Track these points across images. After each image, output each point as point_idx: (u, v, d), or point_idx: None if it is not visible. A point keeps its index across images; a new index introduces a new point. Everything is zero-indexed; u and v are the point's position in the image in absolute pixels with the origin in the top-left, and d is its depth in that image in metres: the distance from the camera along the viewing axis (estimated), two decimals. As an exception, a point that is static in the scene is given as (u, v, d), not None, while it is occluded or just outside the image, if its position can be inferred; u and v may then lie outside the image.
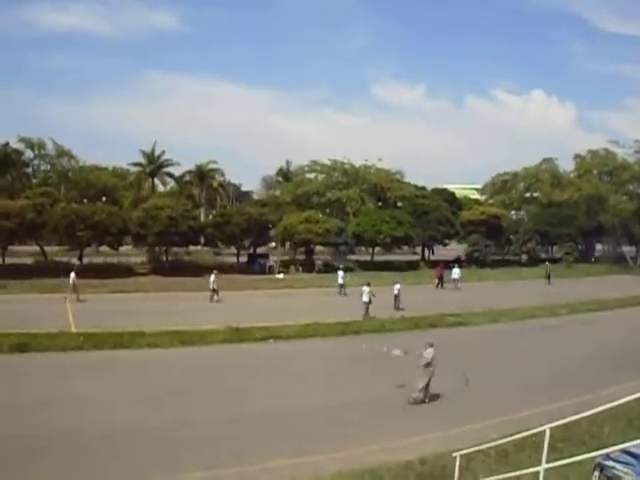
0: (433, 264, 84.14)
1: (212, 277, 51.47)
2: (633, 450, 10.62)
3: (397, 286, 49.77)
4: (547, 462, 11.44)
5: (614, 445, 10.48)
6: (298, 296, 55.73)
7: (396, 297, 49.61)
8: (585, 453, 10.74)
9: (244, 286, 59.74)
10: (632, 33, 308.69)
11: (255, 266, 73.39)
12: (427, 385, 24.91)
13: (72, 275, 50.50)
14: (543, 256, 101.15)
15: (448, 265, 73.65)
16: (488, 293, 61.52)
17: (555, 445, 14.99)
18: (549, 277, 74.75)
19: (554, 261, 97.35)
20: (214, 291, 50.92)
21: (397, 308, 48.72)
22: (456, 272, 70.55)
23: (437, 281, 66.35)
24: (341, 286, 58.26)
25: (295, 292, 57.88)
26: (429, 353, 24.72)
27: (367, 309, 45.38)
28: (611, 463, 11.31)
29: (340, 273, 59.31)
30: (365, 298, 45.77)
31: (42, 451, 18.26)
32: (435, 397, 25.16)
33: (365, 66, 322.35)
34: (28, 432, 19.62)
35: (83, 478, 17.00)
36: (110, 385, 26.12)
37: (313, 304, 50.63)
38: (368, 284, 46.60)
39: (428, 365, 24.67)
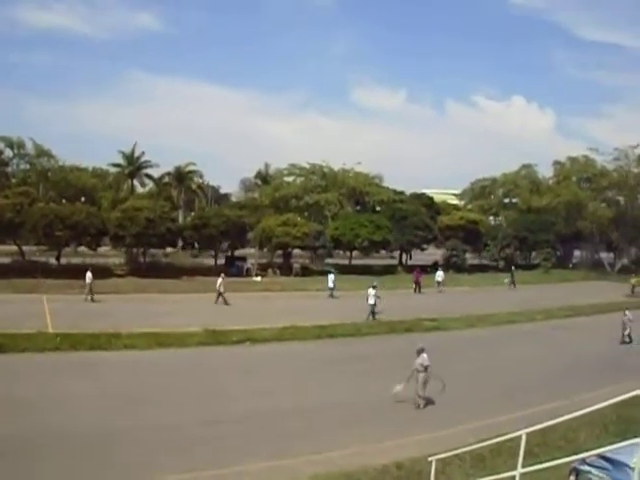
0: (411, 269, 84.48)
1: (219, 280, 51.23)
2: (608, 455, 10.64)
3: (373, 291, 49.24)
4: (523, 467, 11.45)
5: (590, 450, 10.51)
6: (277, 299, 55.63)
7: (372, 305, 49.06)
8: (561, 458, 10.76)
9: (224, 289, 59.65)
10: (611, 41, 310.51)
11: (233, 269, 73.06)
12: (424, 389, 25.09)
13: (88, 274, 50.66)
14: (521, 262, 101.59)
15: (425, 270, 73.72)
16: (465, 298, 61.72)
17: (531, 450, 15.01)
18: (513, 282, 75.33)
19: (532, 267, 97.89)
20: (220, 294, 50.76)
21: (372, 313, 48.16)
22: (440, 275, 71.16)
23: (414, 286, 66.06)
24: (331, 289, 58.50)
25: (273, 295, 57.75)
26: (424, 359, 24.83)
27: (372, 311, 46.27)
28: (587, 468, 11.33)
29: (331, 276, 59.57)
30: (371, 301, 46.48)
31: (17, 452, 18.15)
32: (403, 402, 25.17)
33: (347, 70, 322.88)
34: (3, 433, 19.52)
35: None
36: (86, 386, 25.95)
37: (293, 307, 50.61)
38: (374, 287, 47.37)
39: (425, 370, 24.79)
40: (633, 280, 74.26)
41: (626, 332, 40.71)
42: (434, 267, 78.40)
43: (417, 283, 66.16)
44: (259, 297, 56.12)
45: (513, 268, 79.41)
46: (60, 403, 23.29)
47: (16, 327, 34.44)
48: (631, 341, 40.31)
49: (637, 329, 40.55)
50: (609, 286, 76.13)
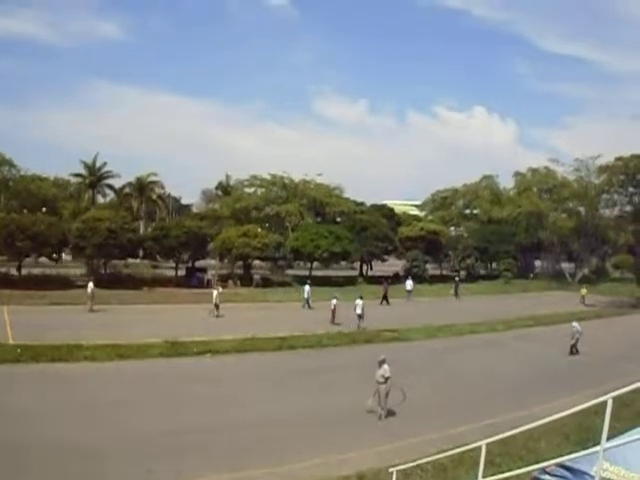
0: (371, 279, 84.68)
1: (215, 292, 51.92)
2: (569, 464, 10.66)
3: (334, 301, 49.95)
4: (484, 477, 11.46)
5: (550, 459, 10.51)
6: (238, 310, 55.44)
7: (333, 312, 49.67)
8: (522, 467, 10.76)
9: (182, 300, 59.42)
10: (572, 53, 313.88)
11: (193, 280, 72.91)
12: (386, 400, 25.08)
13: (90, 285, 51.52)
14: (482, 272, 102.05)
15: (388, 280, 73.76)
16: (427, 309, 61.67)
17: (493, 460, 15.05)
18: (457, 293, 75.38)
19: (493, 277, 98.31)
20: (216, 306, 51.07)
21: (334, 323, 48.76)
22: (409, 284, 71.82)
23: (381, 298, 65.79)
24: (307, 300, 58.72)
25: (234, 306, 57.53)
26: (385, 370, 24.82)
27: (360, 321, 47.58)
28: (547, 477, 11.33)
29: (306, 287, 59.61)
30: (359, 310, 47.97)
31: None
32: (372, 413, 25.17)
33: (307, 81, 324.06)
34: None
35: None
36: (46, 399, 25.78)
37: (255, 318, 50.38)
38: (361, 297, 49.18)
39: (386, 381, 24.77)
40: (583, 291, 74.88)
41: (572, 342, 40.89)
42: (395, 278, 78.54)
43: (384, 296, 65.70)
44: (220, 308, 55.93)
45: (457, 279, 79.38)
46: (17, 416, 23.04)
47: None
48: (577, 352, 40.53)
49: (585, 339, 40.94)
50: (570, 296, 76.51)
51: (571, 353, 40.71)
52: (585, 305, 69.88)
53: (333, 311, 49.70)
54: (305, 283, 62.21)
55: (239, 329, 42.69)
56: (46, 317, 45.36)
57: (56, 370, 30.60)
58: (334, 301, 49.90)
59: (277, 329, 43.80)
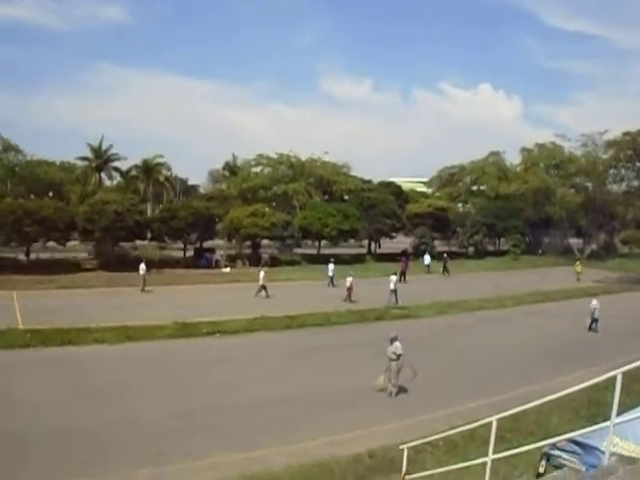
0: (380, 257, 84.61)
1: (262, 273, 51.93)
2: (579, 439, 10.70)
3: (350, 279, 49.94)
4: (495, 453, 11.47)
5: (561, 435, 10.51)
6: (244, 290, 55.41)
7: (349, 289, 49.67)
8: (532, 443, 10.76)
9: (191, 280, 59.37)
10: (580, 29, 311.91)
11: (202, 260, 72.92)
12: (397, 378, 25.11)
13: (142, 266, 53.21)
14: (490, 248, 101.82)
15: (409, 256, 74.03)
16: (436, 285, 61.55)
17: (503, 436, 15.07)
18: (446, 269, 73.89)
19: (502, 253, 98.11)
20: (263, 287, 51.02)
21: (349, 300, 48.84)
22: (427, 259, 73.62)
23: (399, 274, 65.44)
24: (331, 278, 58.84)
25: (242, 286, 57.43)
26: (397, 347, 24.84)
27: (394, 297, 48.88)
28: (558, 452, 11.39)
29: (330, 266, 59.83)
30: (392, 286, 49.14)
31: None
32: (382, 390, 25.21)
33: (314, 60, 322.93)
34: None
35: (30, 476, 16.82)
36: (56, 382, 25.86)
37: (266, 297, 50.26)
38: (395, 274, 52.11)
39: (397, 358, 24.79)
40: (578, 267, 73.19)
41: (591, 320, 40.69)
42: (402, 255, 78.12)
43: (403, 272, 65.65)
44: (229, 288, 55.88)
45: (445, 255, 77.58)
46: (28, 400, 23.14)
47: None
48: (596, 330, 40.36)
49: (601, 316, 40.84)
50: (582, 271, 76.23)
51: (590, 329, 40.58)
52: (578, 282, 67.99)
53: (349, 289, 49.67)
54: (329, 261, 62.09)
55: (251, 309, 42.63)
56: (54, 301, 45.33)
57: (65, 354, 30.70)
58: (350, 279, 49.96)
59: (289, 308, 43.80)
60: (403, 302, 47.83)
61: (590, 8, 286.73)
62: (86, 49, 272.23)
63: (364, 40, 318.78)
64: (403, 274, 65.19)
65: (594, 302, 41.11)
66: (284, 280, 60.20)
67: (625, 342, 34.66)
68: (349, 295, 49.43)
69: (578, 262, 75.91)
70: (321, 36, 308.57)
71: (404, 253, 76.61)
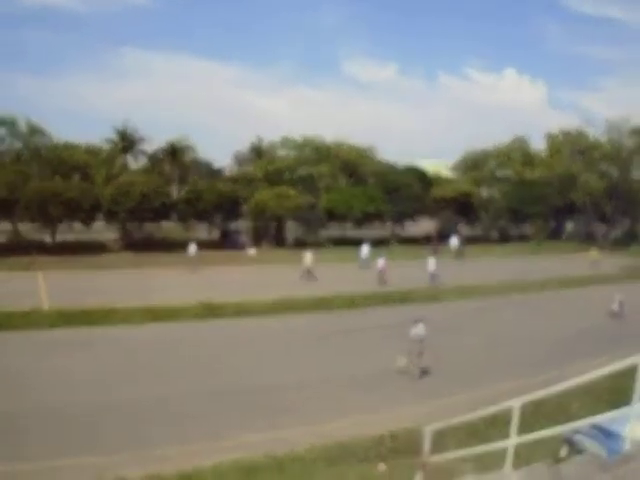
0: (404, 240, 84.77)
1: (308, 255, 52.39)
2: (601, 425, 10.79)
3: (381, 261, 50.60)
4: (517, 437, 11.60)
5: (583, 420, 10.63)
6: (270, 271, 55.69)
7: (380, 272, 50.17)
8: (554, 428, 10.89)
9: (217, 261, 59.58)
10: (603, 14, 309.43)
11: (230, 241, 73.28)
12: (420, 360, 25.30)
13: (193, 247, 55.79)
14: (514, 233, 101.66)
15: (440, 239, 74.13)
16: (460, 269, 61.52)
17: (525, 420, 15.17)
18: (461, 253, 72.80)
19: (526, 239, 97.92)
20: (309, 270, 51.40)
21: (382, 282, 49.20)
22: (454, 241, 73.83)
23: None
24: (365, 260, 58.96)
25: (267, 267, 57.70)
26: (420, 329, 25.05)
27: (433, 278, 50.51)
28: (580, 437, 11.49)
29: (364, 248, 60.27)
30: (431, 268, 51.05)
31: (22, 430, 18.41)
32: (404, 373, 25.38)
33: (337, 44, 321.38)
34: (4, 409, 19.74)
35: (59, 452, 17.12)
36: (83, 362, 26.21)
37: (292, 278, 50.44)
38: (433, 256, 53.35)
39: (421, 341, 24.98)
40: (593, 254, 68.98)
41: (615, 306, 40.56)
42: (433, 239, 77.97)
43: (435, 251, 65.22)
44: (254, 270, 56.16)
45: (457, 239, 76.02)
46: (56, 380, 23.50)
47: (11, 305, 34.44)
48: (621, 317, 40.23)
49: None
50: (602, 258, 75.95)
51: (615, 316, 40.28)
52: (592, 269, 64.40)
53: (381, 271, 50.18)
54: (363, 243, 62.50)
55: (277, 290, 42.78)
56: (80, 282, 45.74)
57: (90, 334, 31.06)
58: (382, 261, 50.54)
59: (317, 289, 44.35)
60: (419, 285, 47.78)
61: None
62: (110, 32, 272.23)
63: (388, 24, 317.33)
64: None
65: (617, 295, 40.87)
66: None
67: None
68: (382, 277, 49.74)
69: (593, 248, 71.90)
70: (344, 19, 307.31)
71: (434, 237, 76.28)
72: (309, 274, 50.98)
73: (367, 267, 57.13)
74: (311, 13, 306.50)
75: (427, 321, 25.94)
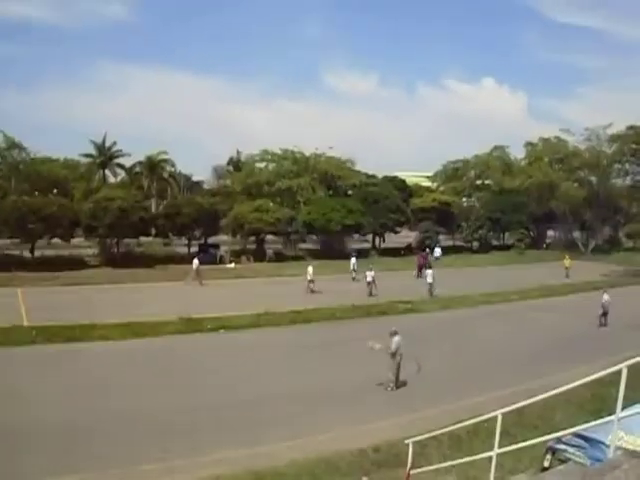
0: (384, 252, 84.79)
1: (310, 268, 52.46)
2: (584, 433, 10.70)
3: (371, 273, 50.92)
4: (500, 447, 11.50)
5: (566, 429, 10.54)
6: (254, 286, 55.65)
7: (369, 284, 50.57)
8: (537, 437, 10.79)
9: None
10: (582, 24, 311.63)
11: (206, 256, 73.01)
12: (397, 372, 25.16)
13: (195, 261, 57.10)
14: (495, 243, 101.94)
15: (427, 250, 74.04)
16: (439, 280, 61.54)
17: (508, 430, 15.09)
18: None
19: (506, 248, 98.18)
20: (311, 282, 51.55)
21: (370, 294, 49.69)
22: (438, 252, 76.38)
23: (416, 270, 64.90)
24: (354, 272, 59.21)
25: (247, 282, 57.65)
26: (395, 342, 24.94)
27: (431, 289, 50.91)
28: (563, 446, 11.40)
29: (352, 260, 60.71)
30: (429, 280, 51.58)
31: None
32: (386, 384, 25.30)
33: (317, 56, 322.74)
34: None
35: (34, 470, 16.89)
36: (61, 379, 25.99)
37: (271, 293, 50.52)
38: (430, 267, 55.12)
39: (395, 354, 24.88)
40: (566, 261, 69.81)
41: (600, 313, 40.47)
42: (409, 249, 78.09)
43: (420, 267, 64.74)
44: (233, 284, 56.06)
45: (427, 250, 74.93)
46: (33, 396, 23.25)
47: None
48: (605, 324, 40.15)
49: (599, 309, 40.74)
50: (583, 266, 76.06)
51: (601, 324, 40.29)
52: (567, 278, 65.76)
53: (370, 283, 50.51)
54: (351, 255, 63.15)
55: (257, 304, 42.34)
56: (59, 298, 45.30)
57: (70, 350, 30.74)
58: (371, 273, 50.91)
59: (300, 303, 44.20)
60: (408, 296, 47.60)
61: (592, 1, 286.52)
62: (89, 46, 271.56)
63: (368, 35, 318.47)
64: (420, 269, 64.62)
65: (605, 296, 40.75)
66: (289, 276, 60.35)
67: (631, 336, 34.39)
68: (371, 289, 50.15)
69: (567, 256, 72.23)
70: (324, 31, 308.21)
71: (422, 249, 76.30)
72: (311, 285, 51.35)
73: (357, 279, 57.35)
74: (291, 26, 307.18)
75: (408, 334, 25.93)
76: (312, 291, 50.72)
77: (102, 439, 19.26)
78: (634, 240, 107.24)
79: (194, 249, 76.03)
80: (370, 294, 49.54)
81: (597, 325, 40.23)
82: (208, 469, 17.42)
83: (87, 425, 20.29)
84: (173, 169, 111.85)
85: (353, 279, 58.12)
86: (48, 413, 21.31)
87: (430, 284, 50.73)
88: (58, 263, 60.30)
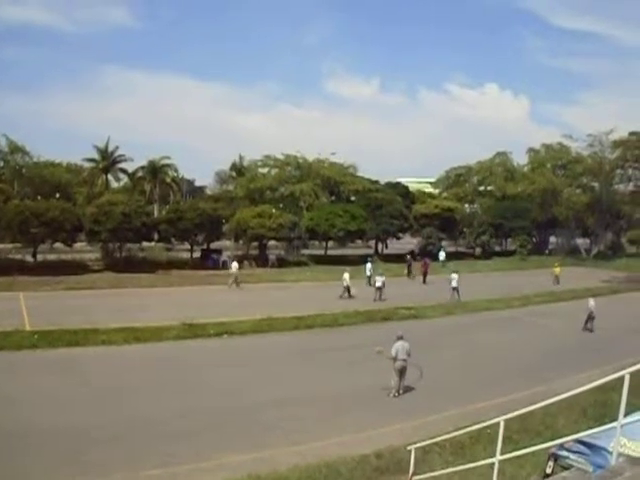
0: (387, 257, 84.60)
1: (346, 274, 52.13)
2: (587, 440, 10.69)
3: (382, 278, 50.82)
4: (502, 453, 11.49)
5: (568, 435, 10.52)
6: (256, 291, 55.63)
7: (379, 289, 50.54)
8: (540, 444, 10.78)
9: (198, 281, 59.48)
10: (584, 28, 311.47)
11: (209, 261, 73.00)
12: (399, 378, 25.10)
13: (235, 264, 58.93)
14: (497, 249, 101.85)
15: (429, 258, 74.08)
16: (442, 286, 61.44)
17: (510, 436, 15.08)
18: (410, 272, 69.48)
19: (509, 254, 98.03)
20: (347, 288, 51.57)
21: (379, 299, 49.64)
22: (442, 255, 77.67)
23: (422, 276, 65.57)
24: (369, 277, 58.98)
25: (249, 287, 57.57)
26: (395, 347, 24.88)
27: (457, 293, 51.69)
28: (565, 453, 11.37)
29: (368, 265, 60.68)
30: (454, 284, 52.13)
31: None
32: (389, 390, 25.24)
33: (320, 61, 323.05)
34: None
35: (38, 475, 16.86)
36: (63, 383, 25.92)
37: (274, 298, 50.67)
38: (456, 272, 53.95)
39: (395, 359, 24.82)
40: (556, 269, 68.30)
41: (585, 319, 40.56)
42: (411, 255, 77.88)
43: (424, 274, 65.56)
44: (238, 289, 55.94)
45: (409, 257, 73.63)
46: (35, 401, 23.21)
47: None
48: (591, 330, 40.19)
49: (603, 315, 40.72)
50: (586, 272, 76.06)
51: (585, 329, 40.43)
52: (557, 285, 64.54)
53: (379, 288, 50.52)
54: (367, 261, 63.23)
55: (261, 309, 42.33)
56: (62, 302, 45.22)
57: (72, 355, 30.71)
58: (382, 278, 50.86)
59: (305, 308, 44.03)
60: (411, 302, 47.69)
61: (594, 7, 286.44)
62: (93, 51, 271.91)
63: (370, 41, 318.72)
64: (424, 275, 65.43)
65: (591, 302, 40.90)
66: (292, 281, 60.42)
67: (633, 342, 34.50)
68: (379, 295, 50.14)
69: (557, 263, 71.47)
70: (327, 37, 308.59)
71: (425, 255, 76.33)
72: (347, 292, 51.35)
73: (370, 284, 56.74)
74: (293, 31, 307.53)
75: (410, 339, 25.81)
76: (350, 296, 50.69)
77: (105, 444, 19.21)
78: (637, 246, 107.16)
79: (196, 254, 75.97)
80: (379, 299, 49.51)
81: (582, 329, 40.48)
82: (210, 474, 17.42)
83: (89, 430, 20.22)
84: (176, 174, 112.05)
85: (369, 284, 57.15)
86: (46, 418, 21.24)
87: (455, 288, 51.42)
88: (60, 267, 60.21)
